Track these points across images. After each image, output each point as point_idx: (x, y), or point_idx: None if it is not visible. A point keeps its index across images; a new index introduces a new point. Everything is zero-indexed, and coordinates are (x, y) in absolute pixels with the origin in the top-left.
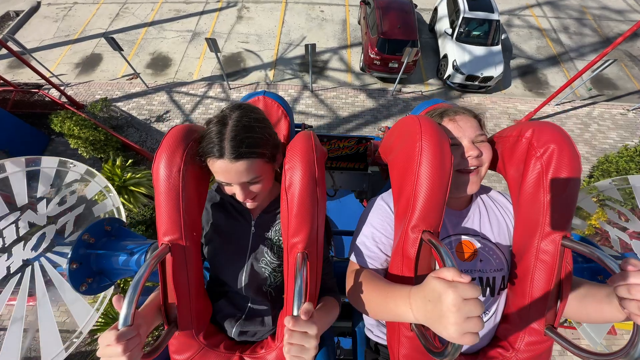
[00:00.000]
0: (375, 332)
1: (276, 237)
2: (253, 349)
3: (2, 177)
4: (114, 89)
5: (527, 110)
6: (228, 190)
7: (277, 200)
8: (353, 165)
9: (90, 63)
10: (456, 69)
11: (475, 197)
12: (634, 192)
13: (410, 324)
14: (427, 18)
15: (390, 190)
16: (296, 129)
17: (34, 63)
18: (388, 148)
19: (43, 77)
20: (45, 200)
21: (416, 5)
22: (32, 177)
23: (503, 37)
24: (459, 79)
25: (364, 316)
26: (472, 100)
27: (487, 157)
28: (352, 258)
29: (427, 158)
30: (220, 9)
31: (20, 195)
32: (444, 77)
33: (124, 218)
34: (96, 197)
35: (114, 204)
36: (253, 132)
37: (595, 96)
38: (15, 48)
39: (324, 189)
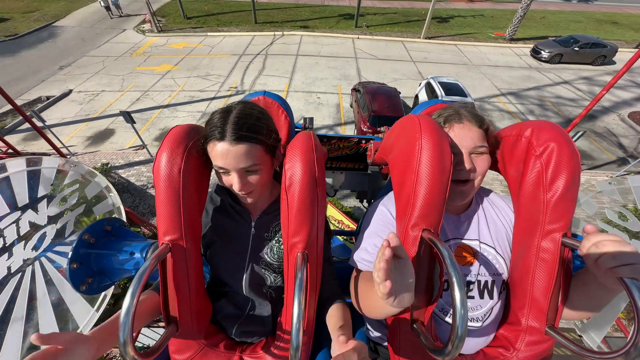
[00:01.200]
0: (375, 332)
1: (276, 238)
2: (253, 348)
3: (3, 177)
4: (118, 157)
5: None
6: (225, 180)
7: (277, 201)
8: (353, 165)
9: (102, 136)
10: None
11: (474, 201)
12: (634, 192)
13: (411, 323)
14: (410, 103)
15: (390, 194)
16: (296, 129)
17: (49, 136)
18: (388, 148)
19: (53, 146)
20: (45, 200)
21: (400, 92)
22: (33, 177)
23: None
24: None
25: (364, 317)
26: None
27: (480, 171)
28: (354, 264)
29: (427, 156)
30: (230, 96)
31: (21, 195)
32: None
33: (124, 218)
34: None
35: (114, 204)
36: (256, 120)
37: None
38: (37, 123)
39: (324, 189)
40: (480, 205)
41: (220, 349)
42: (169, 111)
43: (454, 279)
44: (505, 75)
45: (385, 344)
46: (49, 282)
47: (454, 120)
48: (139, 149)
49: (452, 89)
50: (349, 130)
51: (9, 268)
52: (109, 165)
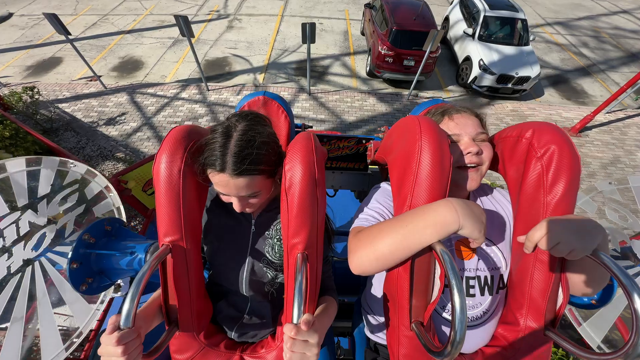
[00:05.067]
0: (375, 332)
1: (277, 236)
2: (253, 348)
3: (3, 177)
4: (63, 89)
5: (575, 118)
6: (225, 199)
7: (277, 199)
8: (353, 165)
9: (45, 66)
10: (484, 69)
11: (472, 196)
12: (634, 193)
13: (410, 323)
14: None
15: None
16: (296, 129)
17: None
18: (388, 148)
19: None
20: (45, 200)
21: (428, 6)
22: (33, 177)
23: (531, 38)
24: (488, 80)
25: (364, 316)
26: (505, 107)
27: (487, 155)
28: (354, 225)
29: (427, 158)
30: (210, 20)
31: (21, 195)
32: (469, 81)
33: (124, 218)
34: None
35: (114, 204)
36: (257, 148)
37: None
38: None
39: (324, 189)
40: (481, 201)
41: (220, 349)
42: (132, 37)
43: (454, 284)
44: (549, 2)
45: (385, 343)
46: (48, 282)
47: (452, 111)
48: (91, 80)
49: (497, 2)
50: (360, 61)
51: (8, 268)
52: (35, 90)
